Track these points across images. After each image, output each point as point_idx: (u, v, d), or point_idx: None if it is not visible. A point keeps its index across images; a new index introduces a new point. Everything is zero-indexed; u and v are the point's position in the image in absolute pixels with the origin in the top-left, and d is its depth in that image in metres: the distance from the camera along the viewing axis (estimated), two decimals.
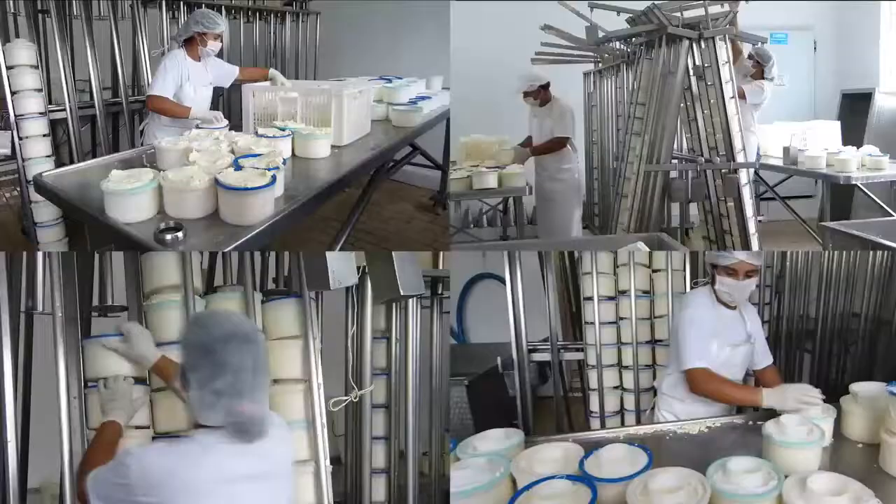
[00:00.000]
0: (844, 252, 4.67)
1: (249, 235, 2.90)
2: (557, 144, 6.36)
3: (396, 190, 7.37)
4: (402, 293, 3.13)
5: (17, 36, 4.68)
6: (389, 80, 6.04)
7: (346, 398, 3.28)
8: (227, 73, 5.10)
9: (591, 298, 3.84)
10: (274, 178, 3.08)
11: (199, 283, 2.89)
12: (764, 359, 3.41)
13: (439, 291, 3.79)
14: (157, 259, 2.78)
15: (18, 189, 4.82)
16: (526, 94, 6.31)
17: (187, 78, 4.67)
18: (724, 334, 3.23)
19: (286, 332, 2.96)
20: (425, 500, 3.75)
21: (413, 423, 3.54)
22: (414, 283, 3.23)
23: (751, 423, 3.00)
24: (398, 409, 3.52)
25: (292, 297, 2.99)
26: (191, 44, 4.70)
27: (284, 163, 3.46)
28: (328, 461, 2.94)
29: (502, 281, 4.00)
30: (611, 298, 3.87)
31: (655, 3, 4.98)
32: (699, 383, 3.14)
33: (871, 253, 4.46)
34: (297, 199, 3.32)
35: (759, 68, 6.48)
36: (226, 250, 2.86)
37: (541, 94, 6.33)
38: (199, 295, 2.84)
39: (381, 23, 7.66)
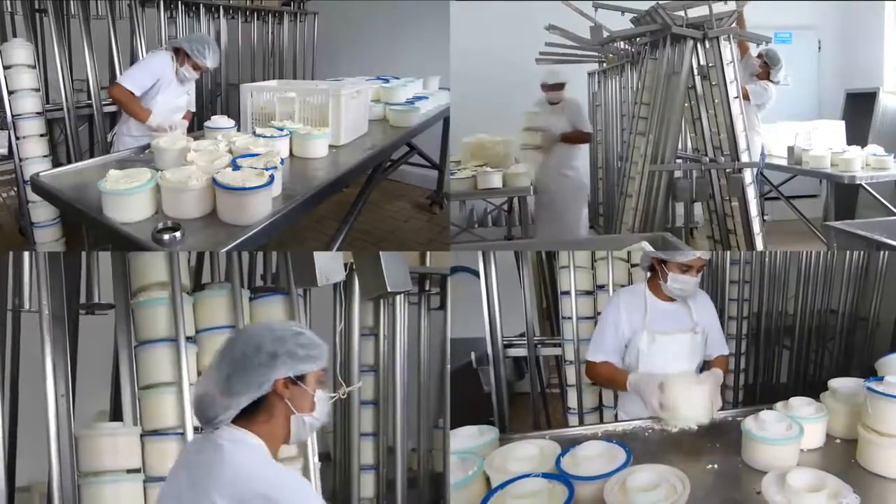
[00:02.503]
0: (822, 250, 4.70)
1: (247, 235, 2.91)
2: (586, 137, 6.46)
3: (393, 189, 7.35)
4: (388, 290, 3.16)
5: (15, 35, 4.69)
6: (387, 80, 6.03)
7: (334, 395, 3.28)
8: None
9: (568, 293, 3.81)
10: (272, 178, 3.08)
11: (187, 281, 2.92)
12: (715, 349, 3.42)
13: (427, 288, 3.80)
14: (145, 257, 2.81)
15: (15, 189, 4.84)
16: (551, 87, 6.32)
17: (168, 82, 4.60)
18: (656, 324, 3.26)
19: None
20: (414, 495, 3.76)
21: (401, 419, 3.56)
22: (401, 279, 3.25)
23: (730, 419, 3.00)
24: (386, 406, 3.53)
25: (280, 293, 3.01)
26: (178, 54, 4.63)
27: (282, 162, 3.46)
28: (317, 457, 2.96)
29: (476, 274, 3.96)
30: (588, 293, 3.85)
31: (660, 2, 4.96)
32: (587, 371, 3.39)
33: (848, 251, 4.48)
34: (294, 199, 3.32)
35: (765, 69, 6.41)
36: (224, 250, 2.86)
37: (559, 92, 6.37)
38: (186, 292, 2.86)
39: (378, 23, 7.65)
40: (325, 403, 2.11)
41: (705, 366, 3.37)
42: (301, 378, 2.02)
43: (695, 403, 2.89)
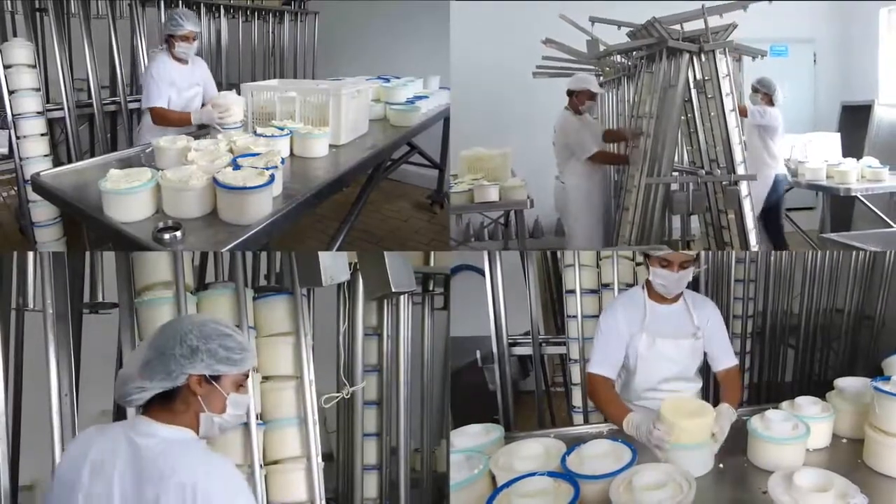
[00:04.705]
0: (828, 250, 4.71)
1: (248, 234, 2.91)
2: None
3: (394, 189, 7.35)
4: (393, 290, 3.15)
5: (15, 35, 4.69)
6: (387, 80, 6.02)
7: (337, 395, 3.29)
8: (208, 90, 4.94)
9: (573, 291, 3.81)
10: (272, 178, 3.08)
11: (191, 280, 2.91)
12: (721, 361, 3.32)
13: (430, 288, 3.79)
14: (149, 256, 2.79)
15: (16, 188, 4.83)
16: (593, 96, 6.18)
17: (171, 82, 4.61)
18: (655, 328, 3.22)
19: (278, 328, 2.98)
20: (417, 496, 3.75)
21: (404, 419, 3.54)
22: (405, 279, 3.24)
23: (735, 418, 2.99)
24: (389, 406, 3.51)
25: (284, 293, 3.00)
26: (170, 45, 4.66)
27: (283, 162, 3.45)
28: (320, 458, 2.96)
29: (481, 273, 3.96)
30: (593, 291, 3.84)
31: (656, 16, 4.97)
32: (589, 388, 3.27)
33: (854, 252, 4.49)
34: (295, 199, 3.32)
35: (767, 98, 6.34)
36: (224, 250, 2.86)
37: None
38: (190, 292, 2.85)
39: (378, 22, 7.63)
40: (239, 406, 2.15)
41: (714, 379, 3.36)
42: (217, 378, 2.07)
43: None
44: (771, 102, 6.28)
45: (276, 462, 2.93)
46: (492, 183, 5.77)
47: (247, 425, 2.80)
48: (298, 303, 2.97)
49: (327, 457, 3.14)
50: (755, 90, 6.32)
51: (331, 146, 4.25)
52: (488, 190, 5.66)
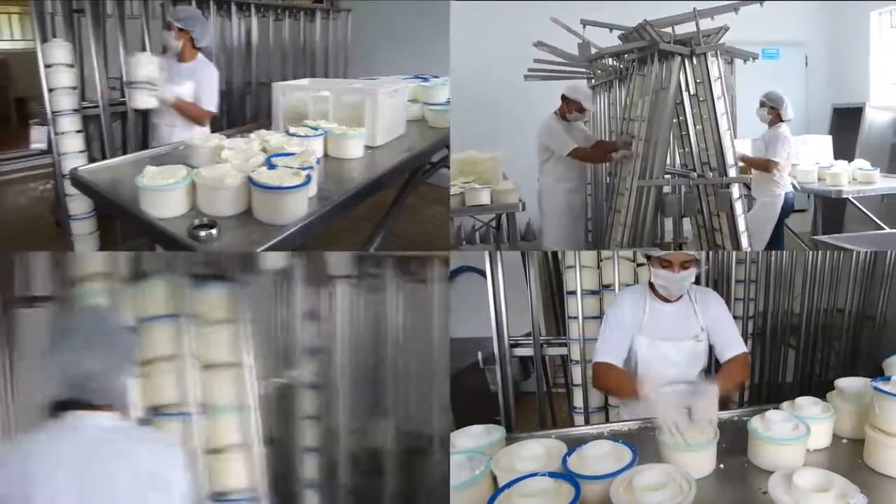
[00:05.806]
0: (829, 250, 4.71)
1: (284, 235, 2.92)
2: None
3: (430, 193, 7.09)
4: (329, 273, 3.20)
5: (55, 35, 4.78)
6: (426, 80, 5.84)
7: (277, 380, 3.24)
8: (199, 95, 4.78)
9: (574, 292, 3.83)
10: (308, 178, 3.10)
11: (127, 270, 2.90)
12: (730, 349, 3.24)
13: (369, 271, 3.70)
14: (84, 248, 2.80)
15: (52, 182, 4.95)
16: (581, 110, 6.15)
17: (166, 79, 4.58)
18: (655, 329, 3.22)
19: (216, 316, 2.96)
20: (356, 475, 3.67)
21: (343, 400, 3.41)
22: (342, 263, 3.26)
23: (736, 418, 3.00)
24: (330, 389, 3.41)
25: (222, 280, 2.98)
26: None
27: (318, 162, 3.46)
28: (261, 444, 2.99)
29: (483, 274, 3.96)
30: (594, 292, 3.86)
31: (647, 19, 4.97)
32: (596, 377, 3.25)
33: (855, 252, 4.48)
34: (330, 200, 3.32)
35: (774, 113, 6.14)
36: (260, 250, 2.85)
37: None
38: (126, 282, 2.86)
39: (414, 20, 7.57)
40: None
41: (719, 368, 3.30)
42: None
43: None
44: (778, 117, 6.15)
45: (216, 450, 2.94)
46: (483, 186, 5.74)
47: (187, 413, 2.84)
48: (237, 290, 2.98)
49: (268, 442, 3.11)
50: (762, 104, 6.20)
51: (366, 147, 4.25)
52: (480, 193, 5.64)
